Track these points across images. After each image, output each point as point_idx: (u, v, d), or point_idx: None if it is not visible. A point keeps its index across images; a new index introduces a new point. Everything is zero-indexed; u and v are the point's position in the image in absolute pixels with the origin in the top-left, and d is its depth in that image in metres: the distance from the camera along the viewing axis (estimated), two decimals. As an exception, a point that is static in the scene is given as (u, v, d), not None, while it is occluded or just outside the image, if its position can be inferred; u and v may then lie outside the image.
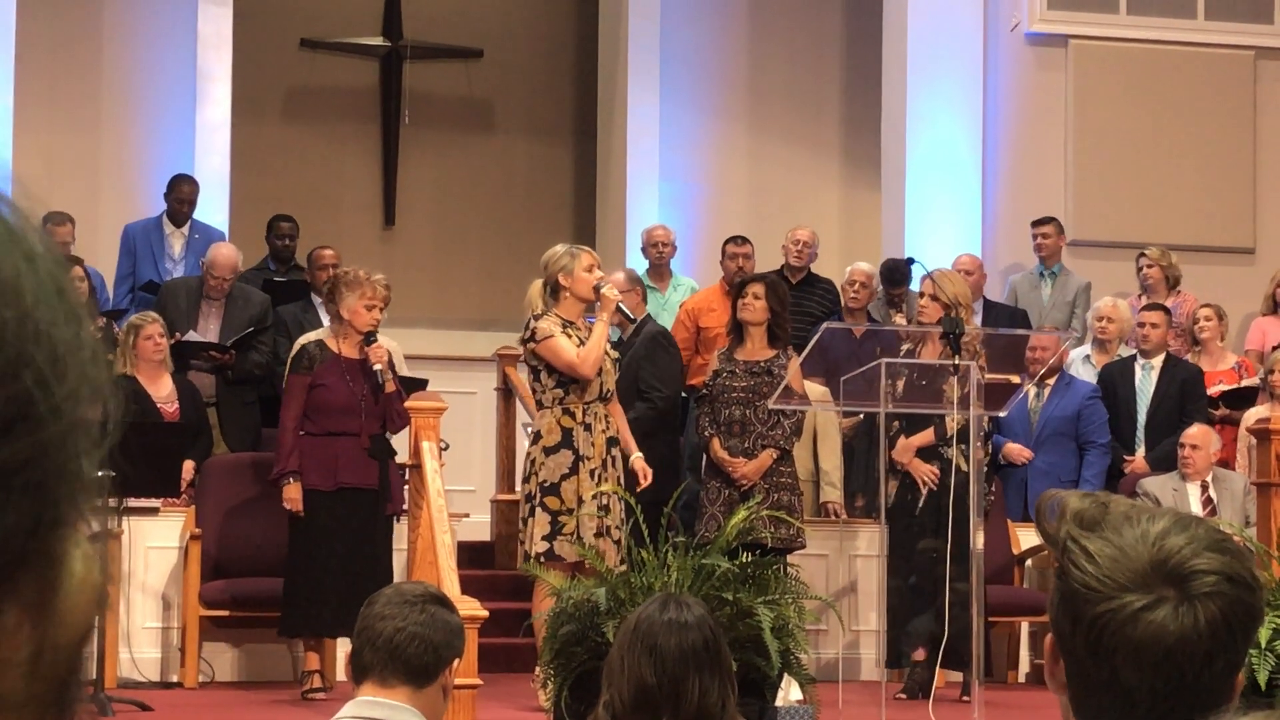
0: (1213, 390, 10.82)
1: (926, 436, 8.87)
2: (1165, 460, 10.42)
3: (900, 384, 8.23)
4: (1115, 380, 10.74)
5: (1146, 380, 10.76)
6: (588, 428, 8.32)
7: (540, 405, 8.43)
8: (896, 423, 8.89)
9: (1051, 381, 10.39)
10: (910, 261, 11.69)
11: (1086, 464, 10.32)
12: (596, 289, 8.39)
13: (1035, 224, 12.02)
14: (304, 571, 8.59)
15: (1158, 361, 10.78)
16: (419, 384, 9.74)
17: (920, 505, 8.79)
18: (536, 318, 8.35)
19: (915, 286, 11.29)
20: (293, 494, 8.61)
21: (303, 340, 9.37)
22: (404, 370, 10.02)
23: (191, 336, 10.23)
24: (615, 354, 8.64)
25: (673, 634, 3.41)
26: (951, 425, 8.40)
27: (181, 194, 11.54)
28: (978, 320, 10.48)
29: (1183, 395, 10.65)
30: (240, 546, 9.28)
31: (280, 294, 10.88)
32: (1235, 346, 11.74)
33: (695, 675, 3.38)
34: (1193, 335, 11.26)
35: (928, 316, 8.77)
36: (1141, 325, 10.89)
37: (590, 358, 8.28)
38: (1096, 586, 1.68)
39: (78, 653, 0.85)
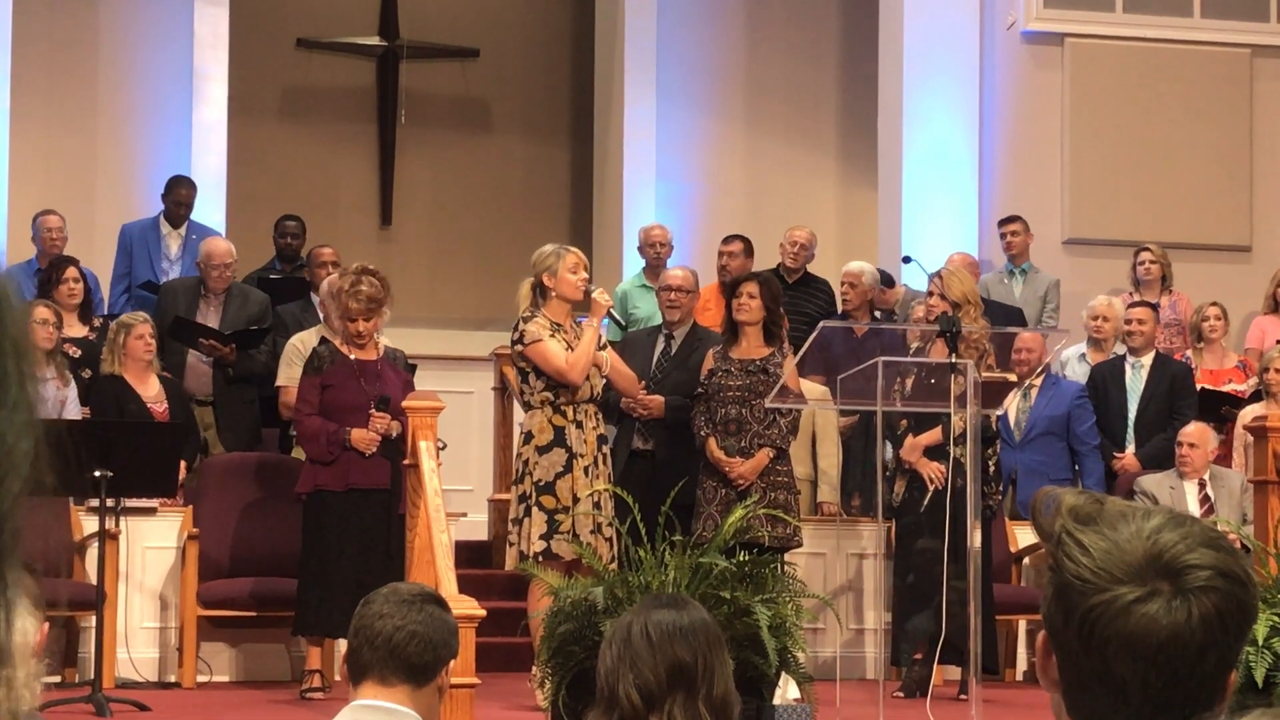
0: (1227, 388, 10.85)
1: (934, 435, 8.84)
2: (1155, 457, 10.43)
3: (909, 383, 8.21)
4: (1106, 379, 10.75)
5: (1136, 378, 10.77)
6: (579, 425, 8.32)
7: (529, 406, 8.42)
8: (904, 421, 8.88)
9: (1038, 381, 10.37)
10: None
11: (1085, 471, 10.30)
12: (586, 292, 8.38)
13: (1002, 223, 12.02)
14: (315, 572, 8.56)
15: (1147, 359, 10.79)
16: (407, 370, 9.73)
17: (925, 504, 8.77)
18: (525, 320, 8.33)
19: (916, 285, 11.29)
20: (362, 436, 8.53)
21: (301, 339, 9.37)
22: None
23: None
24: (606, 354, 8.61)
25: (685, 619, 3.39)
26: (958, 424, 8.38)
27: (179, 196, 11.54)
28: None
29: (1172, 393, 10.65)
30: (238, 546, 9.28)
31: (277, 292, 10.88)
32: (1235, 345, 11.75)
33: (718, 653, 3.38)
34: (1199, 333, 11.25)
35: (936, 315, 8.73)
36: (1129, 323, 10.89)
37: (579, 364, 8.26)
38: (1090, 579, 1.68)
39: None
